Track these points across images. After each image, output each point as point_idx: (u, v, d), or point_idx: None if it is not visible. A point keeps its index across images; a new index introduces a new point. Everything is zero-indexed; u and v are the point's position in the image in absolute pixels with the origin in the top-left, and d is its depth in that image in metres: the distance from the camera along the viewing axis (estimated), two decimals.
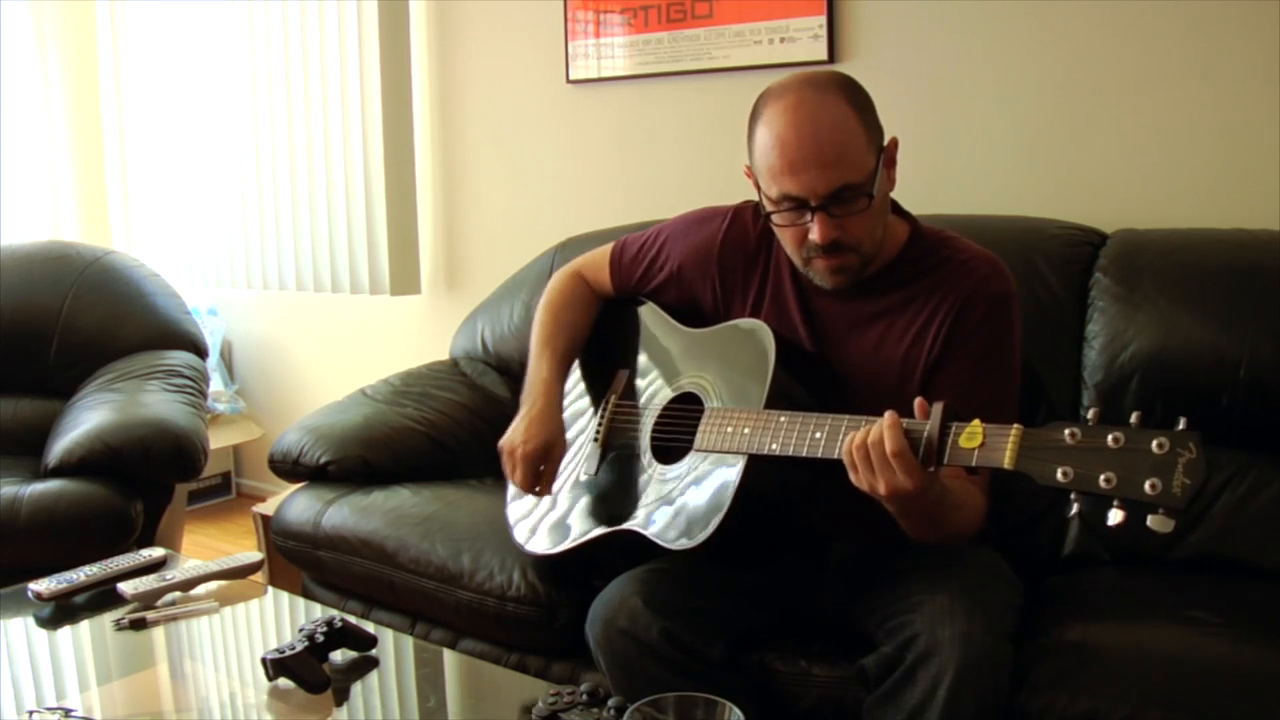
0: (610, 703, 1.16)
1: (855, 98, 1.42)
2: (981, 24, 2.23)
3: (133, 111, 3.77)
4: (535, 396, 1.67)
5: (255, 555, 1.68)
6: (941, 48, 2.28)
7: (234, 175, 3.49)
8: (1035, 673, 1.36)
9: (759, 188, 1.47)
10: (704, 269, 1.65)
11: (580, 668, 1.69)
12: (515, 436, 1.63)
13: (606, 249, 1.82)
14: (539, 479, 1.63)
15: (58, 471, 2.23)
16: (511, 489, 1.78)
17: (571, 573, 1.71)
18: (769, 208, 1.45)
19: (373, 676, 1.37)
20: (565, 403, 1.79)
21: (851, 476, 1.27)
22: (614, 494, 1.59)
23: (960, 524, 1.40)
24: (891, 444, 1.22)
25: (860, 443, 1.25)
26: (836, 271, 1.46)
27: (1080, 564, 1.74)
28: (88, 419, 2.33)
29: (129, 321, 2.75)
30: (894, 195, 1.55)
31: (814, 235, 1.41)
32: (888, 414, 1.25)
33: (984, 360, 1.46)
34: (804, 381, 1.49)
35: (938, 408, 1.22)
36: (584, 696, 1.17)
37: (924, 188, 2.22)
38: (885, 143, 1.45)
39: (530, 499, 1.72)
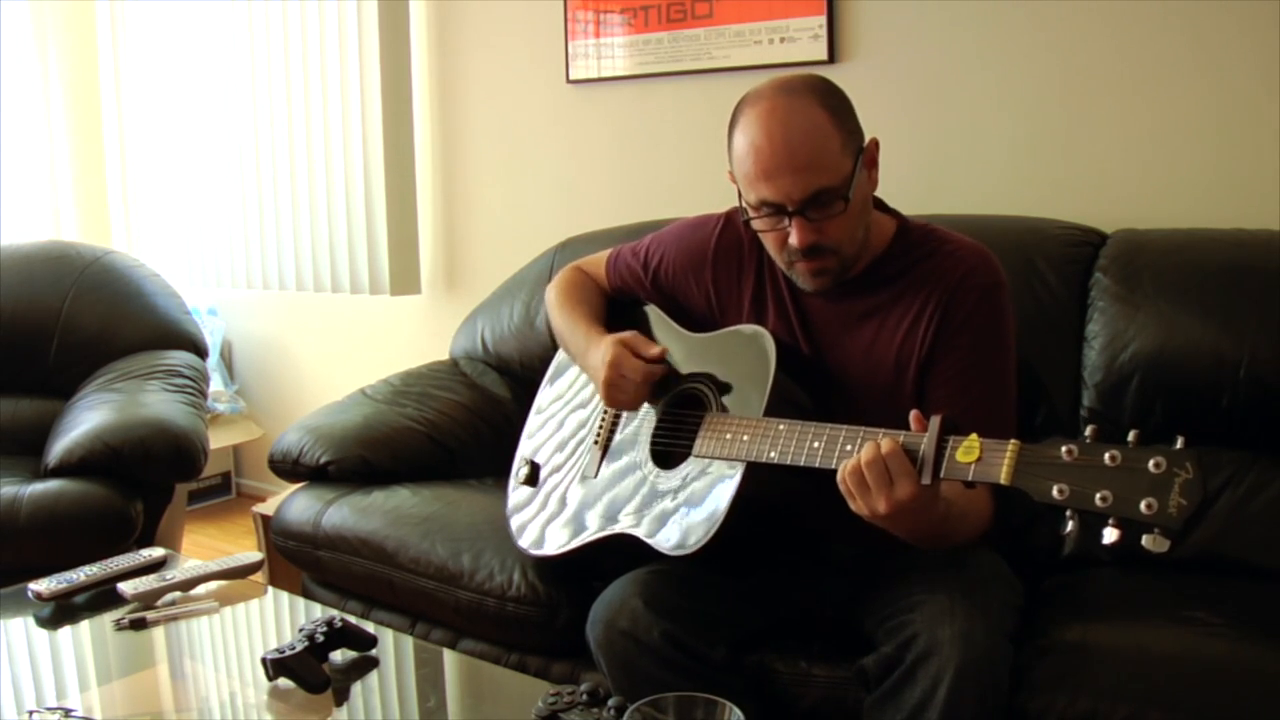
0: (610, 703, 1.16)
1: (829, 101, 1.42)
2: (981, 24, 2.23)
3: (133, 111, 3.77)
4: (589, 341, 1.65)
5: (255, 555, 1.68)
6: (941, 48, 2.28)
7: (234, 175, 3.49)
8: (1035, 673, 1.36)
9: (740, 193, 1.48)
10: (699, 273, 1.66)
11: (580, 668, 1.69)
12: (596, 368, 1.59)
13: (602, 256, 1.83)
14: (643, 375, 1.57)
15: (58, 471, 2.23)
16: (511, 489, 1.78)
17: (572, 573, 1.71)
18: (750, 213, 1.46)
19: (373, 676, 1.37)
20: (566, 404, 1.79)
21: (852, 505, 1.27)
22: (613, 497, 1.59)
23: (969, 530, 1.40)
24: (887, 446, 1.22)
25: (854, 466, 1.25)
26: (817, 275, 1.47)
27: (1080, 564, 1.74)
28: (88, 419, 2.33)
29: (129, 321, 2.75)
30: (892, 194, 1.55)
31: (792, 240, 1.42)
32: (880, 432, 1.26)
33: (977, 352, 1.46)
34: (804, 387, 1.49)
35: (935, 421, 1.22)
36: (584, 696, 1.17)
37: (924, 188, 2.23)
38: (865, 144, 1.45)
39: (531, 500, 1.73)
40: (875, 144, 1.47)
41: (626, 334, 1.62)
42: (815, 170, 1.38)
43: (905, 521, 1.26)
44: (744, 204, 1.47)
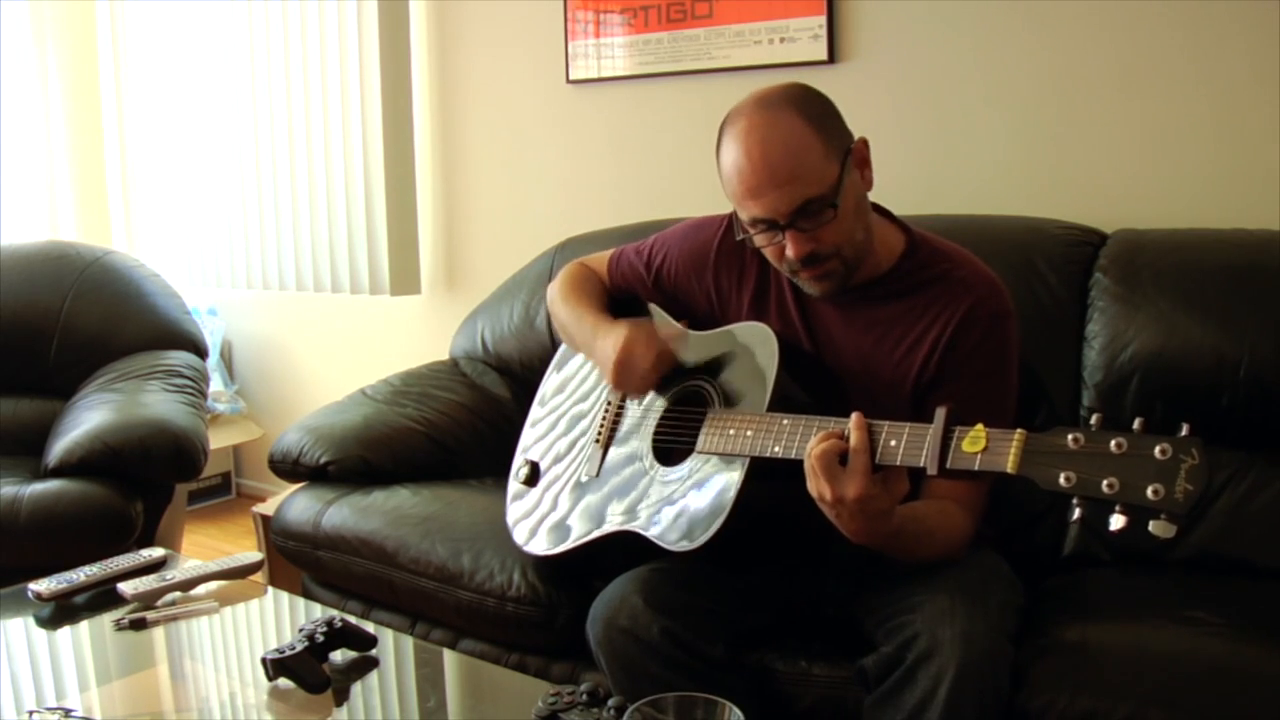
0: (610, 703, 1.16)
1: (807, 109, 1.42)
2: (981, 24, 2.23)
3: (133, 111, 3.77)
4: (596, 330, 1.66)
5: (255, 555, 1.68)
6: (942, 48, 2.28)
7: (234, 175, 3.49)
8: (1035, 673, 1.36)
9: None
10: (700, 273, 1.66)
11: (580, 668, 1.69)
12: (606, 354, 1.59)
13: (604, 255, 1.83)
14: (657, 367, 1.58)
15: (58, 471, 2.23)
16: (511, 489, 1.78)
17: (572, 573, 1.71)
18: (747, 229, 1.47)
19: (373, 676, 1.37)
20: (568, 398, 1.79)
21: (808, 484, 1.30)
22: (615, 495, 1.59)
23: (931, 551, 1.41)
24: (855, 441, 1.25)
25: (820, 451, 1.27)
26: (821, 279, 1.47)
27: (1080, 564, 1.74)
28: (88, 419, 2.33)
29: (129, 321, 2.75)
30: (891, 195, 1.55)
31: (788, 252, 1.43)
32: (855, 415, 1.27)
33: (980, 383, 1.46)
34: (805, 385, 1.49)
35: (941, 412, 1.23)
36: (584, 696, 1.17)
37: (924, 188, 2.23)
38: (853, 144, 1.45)
39: (531, 499, 1.73)
40: (864, 143, 1.47)
41: (641, 320, 1.63)
42: (798, 182, 1.39)
43: (852, 520, 1.28)
44: (737, 221, 1.48)
